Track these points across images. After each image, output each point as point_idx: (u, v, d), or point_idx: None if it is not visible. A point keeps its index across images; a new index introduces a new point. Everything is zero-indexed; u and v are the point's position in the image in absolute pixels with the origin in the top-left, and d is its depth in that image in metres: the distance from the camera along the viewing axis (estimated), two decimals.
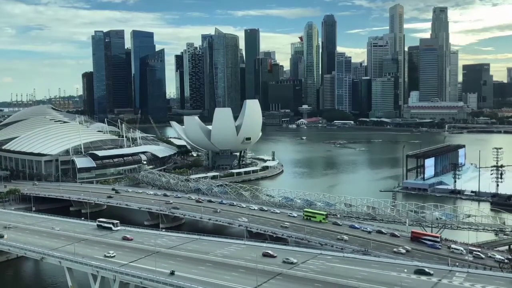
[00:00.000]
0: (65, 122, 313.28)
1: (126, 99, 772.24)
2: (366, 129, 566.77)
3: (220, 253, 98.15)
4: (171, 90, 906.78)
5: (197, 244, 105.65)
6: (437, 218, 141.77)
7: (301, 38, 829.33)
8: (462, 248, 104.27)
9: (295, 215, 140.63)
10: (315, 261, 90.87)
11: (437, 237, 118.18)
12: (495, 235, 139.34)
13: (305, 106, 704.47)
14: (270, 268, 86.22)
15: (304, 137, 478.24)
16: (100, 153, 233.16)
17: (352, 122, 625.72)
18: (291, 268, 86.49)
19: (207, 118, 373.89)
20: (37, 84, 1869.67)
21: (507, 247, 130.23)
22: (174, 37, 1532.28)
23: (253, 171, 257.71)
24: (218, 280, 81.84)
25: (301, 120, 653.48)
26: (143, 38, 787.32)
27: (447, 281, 77.74)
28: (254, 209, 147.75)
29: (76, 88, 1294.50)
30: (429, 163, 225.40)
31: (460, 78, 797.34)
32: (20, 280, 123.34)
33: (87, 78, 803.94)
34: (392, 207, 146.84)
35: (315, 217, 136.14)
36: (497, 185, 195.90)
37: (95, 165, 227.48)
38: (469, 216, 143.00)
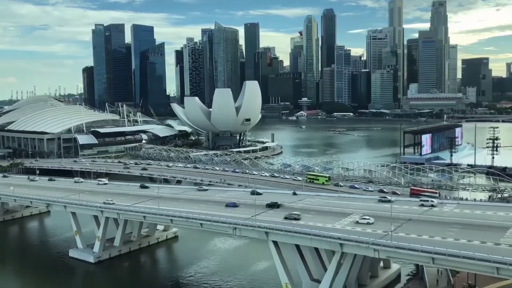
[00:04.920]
0: None
1: (126, 93, 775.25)
2: (365, 120, 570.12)
3: (220, 196, 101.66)
4: (171, 88, 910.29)
5: (199, 192, 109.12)
6: (432, 180, 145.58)
7: (300, 33, 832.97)
8: None
9: (300, 178, 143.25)
10: (312, 199, 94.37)
11: (435, 193, 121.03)
12: (488, 198, 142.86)
13: (304, 99, 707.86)
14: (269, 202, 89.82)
15: (304, 126, 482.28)
16: (102, 130, 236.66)
17: (351, 114, 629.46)
18: (291, 203, 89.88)
19: None
20: (40, 84, 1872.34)
21: None
22: (176, 36, 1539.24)
23: (253, 151, 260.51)
24: (219, 212, 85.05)
25: (301, 112, 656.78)
26: (143, 32, 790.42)
27: (438, 209, 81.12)
28: (255, 174, 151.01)
29: (76, 85, 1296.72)
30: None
31: (459, 74, 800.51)
32: (25, 236, 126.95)
33: (88, 72, 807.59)
34: (388, 170, 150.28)
35: (318, 180, 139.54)
36: (493, 158, 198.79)
37: (97, 142, 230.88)
38: (463, 177, 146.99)
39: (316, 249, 76.05)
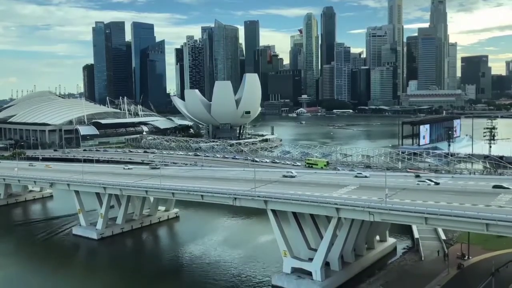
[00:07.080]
0: None
1: (126, 91, 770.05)
2: (364, 116, 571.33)
3: (221, 175, 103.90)
4: (171, 87, 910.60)
5: (201, 171, 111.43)
6: (429, 165, 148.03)
7: (300, 31, 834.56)
8: None
9: (299, 164, 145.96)
10: (310, 175, 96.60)
11: None
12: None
13: (304, 96, 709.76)
14: (268, 178, 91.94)
15: (304, 122, 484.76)
16: (103, 121, 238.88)
17: (351, 110, 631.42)
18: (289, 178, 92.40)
19: None
20: (40, 83, 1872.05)
21: None
22: (177, 36, 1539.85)
23: (253, 143, 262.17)
24: (220, 187, 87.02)
25: (301, 109, 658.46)
26: (143, 30, 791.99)
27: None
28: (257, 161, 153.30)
29: (77, 85, 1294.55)
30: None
31: (458, 72, 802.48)
32: (29, 217, 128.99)
33: (88, 70, 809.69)
34: (386, 155, 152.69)
35: (316, 165, 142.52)
36: (490, 147, 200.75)
37: (98, 133, 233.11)
38: (460, 161, 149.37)
39: (314, 220, 78.37)
